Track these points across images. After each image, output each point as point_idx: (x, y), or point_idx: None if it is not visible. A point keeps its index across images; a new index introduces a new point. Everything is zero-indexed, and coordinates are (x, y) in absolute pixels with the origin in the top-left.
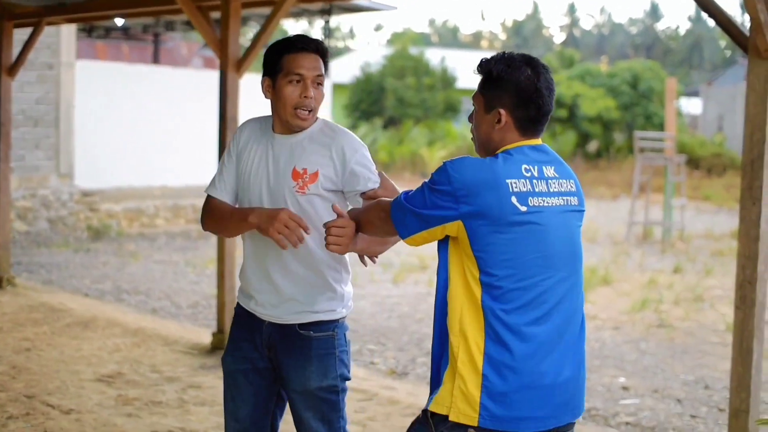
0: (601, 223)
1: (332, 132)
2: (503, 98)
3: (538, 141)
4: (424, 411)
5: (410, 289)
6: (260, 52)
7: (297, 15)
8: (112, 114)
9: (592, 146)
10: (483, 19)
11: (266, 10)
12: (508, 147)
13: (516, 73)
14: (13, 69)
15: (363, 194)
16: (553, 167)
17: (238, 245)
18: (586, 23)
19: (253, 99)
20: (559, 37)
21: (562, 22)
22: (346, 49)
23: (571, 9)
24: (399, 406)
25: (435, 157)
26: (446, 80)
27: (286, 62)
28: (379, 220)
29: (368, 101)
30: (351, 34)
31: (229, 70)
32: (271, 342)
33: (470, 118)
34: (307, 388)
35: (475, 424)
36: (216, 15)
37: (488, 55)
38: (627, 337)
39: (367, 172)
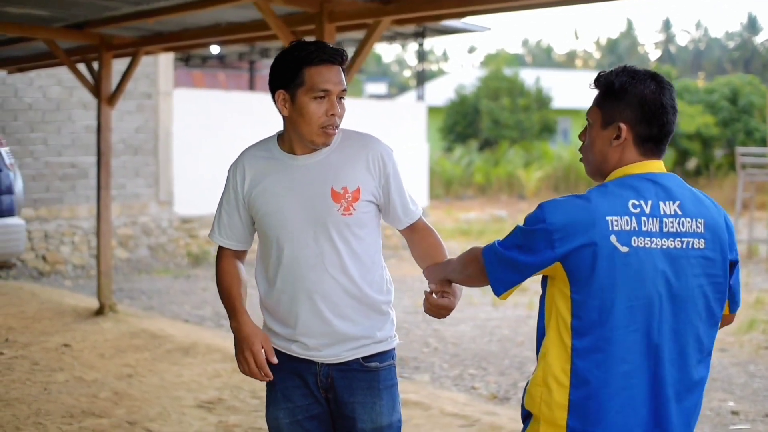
0: None
1: (360, 139)
2: (625, 112)
3: (659, 165)
4: None
5: (510, 312)
6: (354, 77)
7: (390, 38)
8: (210, 141)
9: (691, 164)
10: (577, 38)
11: (360, 34)
12: (625, 172)
13: (640, 86)
14: (112, 98)
15: (414, 223)
16: (677, 203)
17: None
18: (682, 39)
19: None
20: (654, 54)
21: (657, 38)
22: (440, 72)
23: (666, 25)
24: None
25: (532, 179)
26: (541, 100)
27: (309, 76)
28: (477, 273)
29: (463, 123)
30: (444, 57)
31: None
32: (329, 383)
33: (581, 136)
34: (378, 425)
35: None
36: (311, 40)
37: (586, 72)
38: (735, 359)
39: (406, 195)
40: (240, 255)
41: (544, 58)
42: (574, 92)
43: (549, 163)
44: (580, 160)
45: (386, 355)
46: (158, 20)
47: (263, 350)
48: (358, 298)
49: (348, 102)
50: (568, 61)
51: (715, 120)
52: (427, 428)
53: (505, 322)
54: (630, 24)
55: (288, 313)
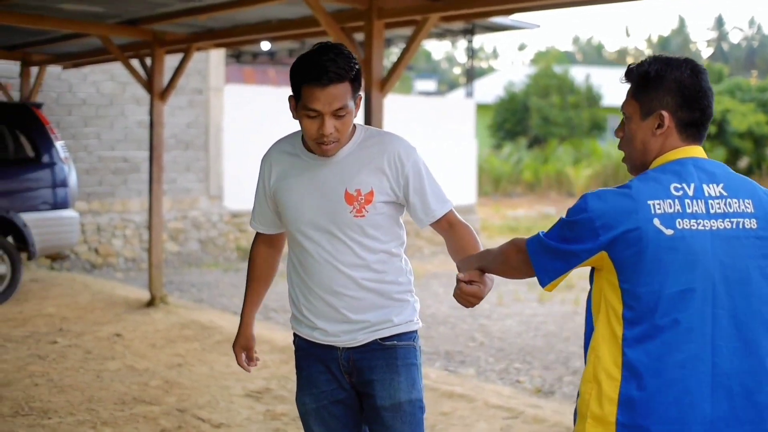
0: None
1: (379, 138)
2: (665, 99)
3: (701, 150)
4: None
5: (556, 308)
6: (403, 74)
7: (440, 35)
8: (259, 136)
9: (743, 162)
10: (628, 35)
11: (408, 31)
12: (667, 159)
13: (676, 72)
14: (164, 94)
15: (439, 220)
16: (721, 185)
17: None
18: (735, 36)
19: (395, 118)
20: (706, 52)
21: (710, 36)
22: (490, 69)
23: (719, 22)
24: (545, 424)
25: (581, 176)
26: (591, 98)
27: (304, 94)
28: (520, 263)
29: (512, 121)
30: (494, 54)
31: (373, 90)
32: (350, 366)
33: (618, 133)
34: (397, 400)
35: None
36: (360, 36)
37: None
38: None
39: (436, 189)
40: (275, 241)
41: (594, 55)
42: (625, 89)
43: (598, 160)
44: (623, 159)
45: (405, 336)
46: (209, 17)
47: (242, 354)
48: (374, 291)
49: (396, 99)
50: (619, 59)
51: (767, 118)
52: (472, 419)
53: (550, 318)
54: (682, 21)
55: (307, 303)
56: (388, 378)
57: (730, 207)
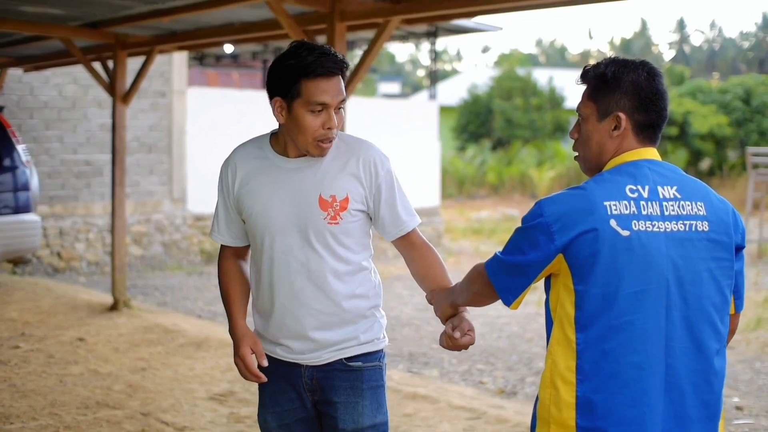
0: None
1: (355, 145)
2: (622, 101)
3: (655, 152)
4: None
5: (520, 310)
6: (365, 76)
7: (403, 38)
8: (223, 139)
9: (705, 164)
10: (591, 38)
11: (371, 34)
12: (622, 160)
13: (633, 74)
14: (127, 97)
15: (405, 236)
16: (675, 187)
17: None
18: (696, 39)
19: (359, 120)
20: (668, 54)
21: (671, 38)
22: (454, 72)
23: (681, 25)
24: (507, 425)
25: (544, 178)
26: (554, 100)
27: (307, 89)
28: (483, 288)
29: (476, 123)
30: (458, 57)
31: None
32: (314, 385)
33: (573, 134)
34: (360, 425)
35: None
36: (322, 39)
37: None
38: (741, 356)
39: (406, 202)
40: (241, 252)
41: (557, 58)
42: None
43: (561, 162)
44: (576, 158)
45: (372, 356)
46: (172, 19)
47: (252, 354)
48: (342, 307)
49: (360, 101)
50: (582, 61)
51: (728, 120)
52: (435, 421)
53: (514, 320)
54: (644, 24)
55: (272, 317)
56: (352, 401)
57: (684, 209)
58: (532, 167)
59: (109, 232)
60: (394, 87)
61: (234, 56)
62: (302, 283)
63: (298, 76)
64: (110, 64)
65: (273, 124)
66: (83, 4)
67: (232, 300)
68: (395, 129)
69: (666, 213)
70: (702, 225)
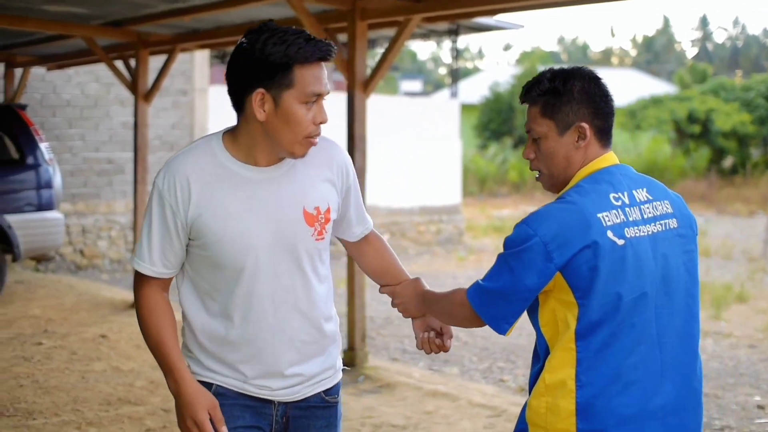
0: (737, 241)
1: (324, 144)
2: (580, 111)
3: (614, 155)
4: None
5: None
6: (386, 74)
7: (424, 36)
8: None
9: (727, 162)
10: (613, 35)
11: (392, 32)
12: (592, 168)
13: (581, 82)
14: (149, 95)
15: (364, 238)
16: (645, 189)
17: None
18: (719, 36)
19: (380, 118)
20: (691, 52)
21: (694, 36)
22: (475, 70)
23: (704, 22)
24: None
25: None
26: None
27: (301, 76)
28: (466, 317)
29: (498, 121)
30: (480, 55)
31: (356, 90)
32: (284, 424)
33: (528, 154)
34: None
35: None
36: (343, 37)
37: (622, 70)
38: (763, 355)
39: (363, 205)
40: (167, 284)
41: (579, 55)
42: (610, 90)
43: None
44: (538, 178)
45: (340, 384)
46: (194, 18)
47: (209, 418)
48: (324, 332)
49: (382, 99)
50: (604, 59)
51: (751, 118)
52: (455, 418)
53: None
54: (667, 21)
55: (240, 357)
56: None
57: (657, 210)
58: None
59: (131, 230)
60: (415, 85)
61: None
62: (287, 313)
63: (292, 62)
64: (132, 62)
65: None
66: (105, 3)
67: (167, 345)
68: (416, 127)
69: (645, 216)
70: (672, 222)
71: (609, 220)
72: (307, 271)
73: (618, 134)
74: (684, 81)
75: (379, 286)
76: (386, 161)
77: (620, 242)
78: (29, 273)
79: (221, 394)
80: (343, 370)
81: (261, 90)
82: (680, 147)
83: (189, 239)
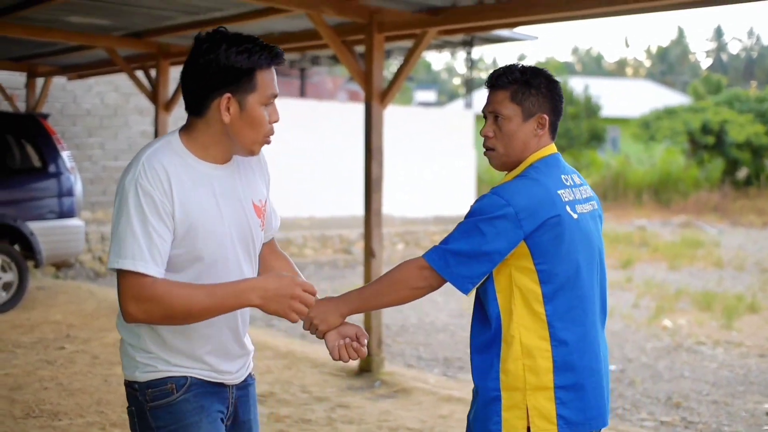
0: (750, 252)
1: None
2: (543, 104)
3: (554, 146)
4: None
5: None
6: (403, 85)
7: (439, 47)
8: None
9: (741, 173)
10: (627, 46)
11: (409, 43)
12: (543, 154)
13: (547, 81)
14: (169, 105)
15: (271, 240)
16: (575, 175)
17: (384, 271)
18: (734, 47)
19: (395, 129)
20: (705, 63)
21: (709, 46)
22: None
23: (718, 33)
24: None
25: None
26: (590, 109)
27: (262, 80)
28: (425, 282)
29: None
30: (494, 65)
31: (373, 102)
32: (235, 405)
33: (487, 131)
34: None
35: None
36: (360, 49)
37: (636, 81)
38: None
39: (273, 209)
40: None
41: (594, 66)
42: (624, 100)
43: (597, 171)
44: (489, 152)
45: None
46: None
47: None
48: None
49: (396, 109)
50: (618, 70)
51: (765, 129)
52: None
53: None
54: (681, 32)
55: (208, 340)
56: (255, 416)
57: (586, 192)
58: None
59: None
60: (430, 95)
61: None
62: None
63: (254, 66)
64: (153, 72)
65: (310, 132)
66: (127, 15)
67: (215, 286)
68: (431, 138)
69: (582, 197)
70: (594, 204)
71: (565, 197)
72: (254, 259)
73: (631, 145)
74: (698, 92)
75: None
76: (400, 171)
77: (575, 216)
78: (49, 279)
79: (195, 383)
80: None
81: (228, 95)
82: (694, 158)
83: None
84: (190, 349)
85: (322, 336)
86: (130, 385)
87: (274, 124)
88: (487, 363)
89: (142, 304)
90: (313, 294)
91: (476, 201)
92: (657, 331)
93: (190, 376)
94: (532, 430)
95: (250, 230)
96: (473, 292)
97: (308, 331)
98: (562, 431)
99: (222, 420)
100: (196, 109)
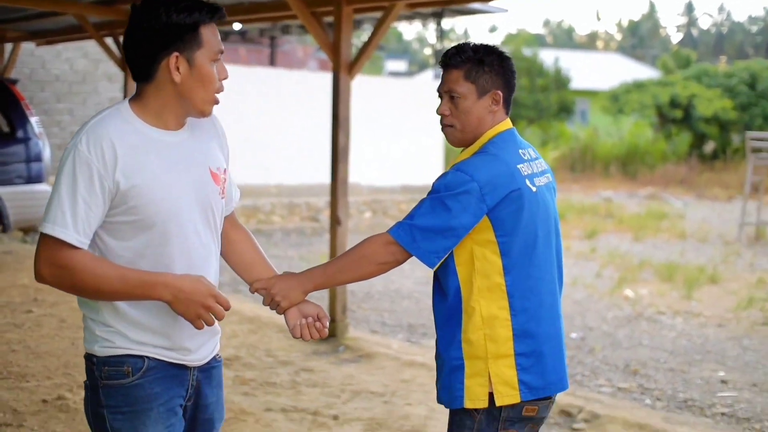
0: (714, 224)
1: None
2: (497, 81)
3: (509, 121)
4: (459, 410)
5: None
6: (372, 55)
7: (409, 18)
8: (230, 115)
9: (708, 147)
10: (599, 19)
11: (378, 14)
12: (499, 129)
13: (499, 59)
14: None
15: (229, 217)
16: (530, 149)
17: (350, 241)
18: (704, 22)
19: (366, 100)
20: (675, 37)
21: (680, 21)
22: None
23: (689, 8)
24: None
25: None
26: (560, 81)
27: (207, 36)
28: (390, 256)
29: None
30: (465, 36)
31: (341, 73)
32: (197, 388)
33: (444, 110)
34: (224, 417)
35: (518, 401)
36: (329, 19)
37: (607, 54)
38: (730, 333)
39: (232, 179)
40: None
41: (565, 38)
42: (594, 73)
43: (565, 143)
44: (446, 129)
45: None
46: None
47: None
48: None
49: (366, 79)
50: (590, 43)
51: (733, 104)
52: (431, 386)
53: None
54: (652, 6)
55: (169, 316)
56: (219, 397)
57: (541, 166)
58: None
59: None
60: (400, 65)
61: (242, 33)
62: (205, 270)
63: (197, 22)
64: (122, 39)
65: (280, 100)
66: None
67: (130, 270)
68: (399, 108)
69: (539, 170)
70: (549, 177)
71: (524, 171)
72: (216, 230)
73: (600, 118)
74: (667, 66)
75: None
76: (368, 140)
77: (534, 189)
78: (17, 244)
79: (153, 367)
80: None
81: (176, 53)
82: (662, 131)
83: (110, 207)
84: (147, 320)
85: (282, 312)
86: (89, 358)
87: (224, 82)
88: (449, 333)
89: (54, 269)
90: (226, 308)
91: (439, 178)
92: (619, 300)
93: (148, 358)
94: (495, 395)
95: (207, 197)
96: None
97: (268, 307)
98: (524, 396)
99: (181, 405)
100: (144, 74)
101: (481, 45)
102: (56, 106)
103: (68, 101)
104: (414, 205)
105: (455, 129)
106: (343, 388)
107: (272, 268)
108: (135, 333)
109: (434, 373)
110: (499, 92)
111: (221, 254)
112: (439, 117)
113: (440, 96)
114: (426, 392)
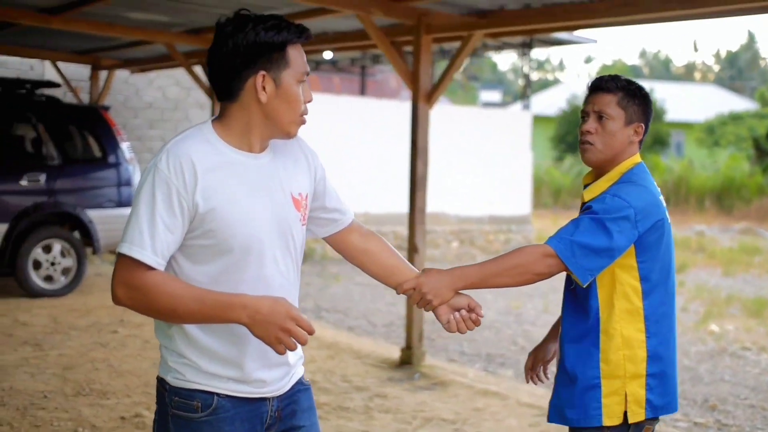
0: None
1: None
2: (642, 116)
3: None
4: (588, 428)
5: None
6: (449, 86)
7: (498, 48)
8: (324, 144)
9: None
10: (696, 50)
11: (457, 44)
12: (635, 161)
13: (646, 96)
14: None
15: (348, 228)
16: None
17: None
18: None
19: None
20: None
21: None
22: (556, 81)
23: None
24: None
25: None
26: (655, 113)
27: (294, 56)
28: (546, 269)
29: (574, 133)
30: (561, 66)
31: (420, 102)
32: (275, 418)
33: (591, 126)
34: None
35: (643, 418)
36: (408, 49)
37: (703, 86)
38: None
39: (338, 193)
40: None
41: (661, 70)
42: (689, 105)
43: (659, 175)
44: (585, 146)
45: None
46: None
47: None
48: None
49: (456, 110)
50: (687, 74)
51: None
52: (503, 415)
53: None
54: (751, 36)
55: (245, 345)
56: (314, 422)
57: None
58: None
59: None
60: (494, 95)
61: (333, 62)
62: (285, 297)
63: (286, 42)
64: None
65: (369, 129)
66: (185, 12)
67: (208, 292)
68: (488, 137)
69: (664, 203)
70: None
71: (663, 203)
72: (295, 256)
73: (695, 150)
74: (765, 98)
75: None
76: (456, 170)
77: (669, 219)
78: (107, 266)
79: (223, 405)
80: None
81: (263, 72)
82: (759, 165)
83: (189, 228)
84: (219, 347)
85: (431, 309)
86: (161, 381)
87: (314, 110)
88: (584, 352)
89: (130, 290)
90: (310, 333)
91: (597, 202)
92: (703, 335)
93: (218, 395)
94: (628, 413)
95: (288, 223)
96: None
97: (416, 305)
98: (648, 414)
99: None
100: (229, 93)
101: (633, 80)
102: (149, 132)
103: (160, 127)
104: (503, 237)
105: (595, 148)
106: (415, 414)
107: (414, 269)
108: (206, 363)
109: (507, 402)
110: (642, 126)
111: (357, 265)
112: (579, 135)
113: (584, 115)
114: (497, 420)
